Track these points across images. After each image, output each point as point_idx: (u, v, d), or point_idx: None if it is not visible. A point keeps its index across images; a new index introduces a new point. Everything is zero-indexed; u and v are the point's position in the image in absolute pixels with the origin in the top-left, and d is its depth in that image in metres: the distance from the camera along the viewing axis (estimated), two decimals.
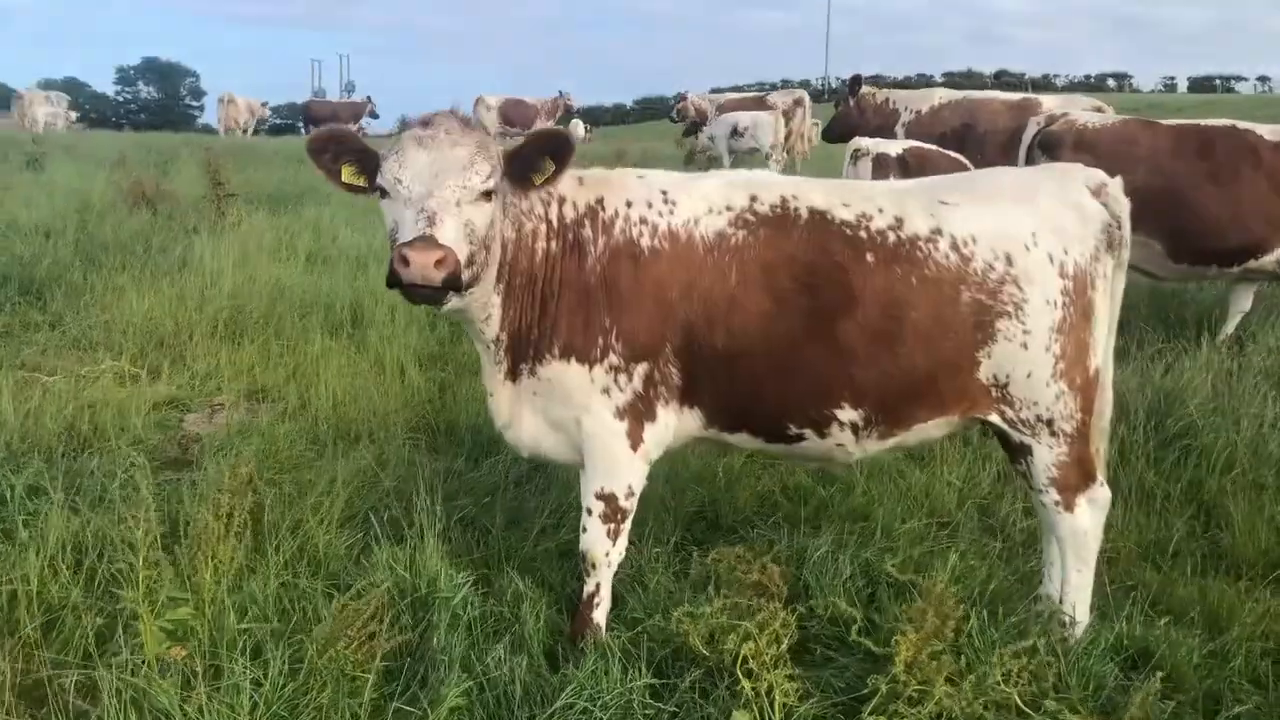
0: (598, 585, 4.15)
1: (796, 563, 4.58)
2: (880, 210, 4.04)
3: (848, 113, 14.59)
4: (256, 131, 42.20)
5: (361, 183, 3.77)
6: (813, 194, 4.09)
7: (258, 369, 7.47)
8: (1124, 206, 4.21)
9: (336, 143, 3.79)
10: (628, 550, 4.71)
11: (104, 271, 9.49)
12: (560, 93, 36.02)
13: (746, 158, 22.93)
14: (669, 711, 3.64)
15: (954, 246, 3.98)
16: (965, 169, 11.76)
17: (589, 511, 4.10)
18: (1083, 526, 4.24)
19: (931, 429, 4.19)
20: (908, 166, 12.10)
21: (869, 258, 3.95)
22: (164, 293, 8.65)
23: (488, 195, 3.66)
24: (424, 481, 5.02)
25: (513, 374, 4.06)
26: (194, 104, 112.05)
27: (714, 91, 33.76)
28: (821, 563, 4.54)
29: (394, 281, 3.45)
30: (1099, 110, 12.28)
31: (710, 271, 3.96)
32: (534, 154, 3.79)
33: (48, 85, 71.71)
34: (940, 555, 4.82)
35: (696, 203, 4.06)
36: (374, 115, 43.01)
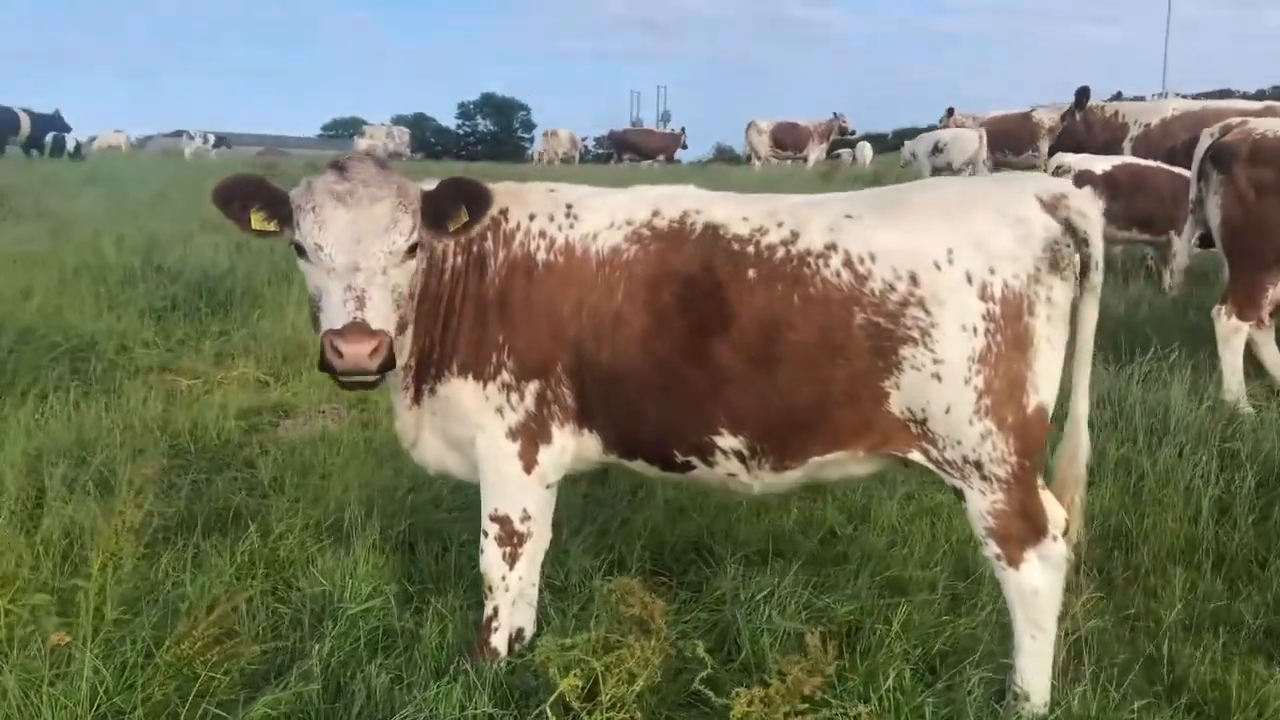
0: (495, 609, 4.04)
1: (742, 604, 4.28)
2: (779, 225, 3.72)
3: (1073, 127, 13.58)
4: (582, 160, 44.93)
5: (273, 228, 3.65)
6: (716, 209, 3.84)
7: None
8: (1091, 222, 3.65)
9: (244, 188, 3.67)
10: (591, 575, 4.60)
11: (288, 286, 10.28)
12: (835, 114, 35.56)
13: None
14: None
15: (847, 264, 3.60)
16: None
17: (485, 534, 4.01)
18: (1031, 586, 3.71)
19: (844, 464, 3.81)
20: (1117, 185, 11.12)
21: (750, 274, 3.65)
22: None
23: (413, 251, 3.61)
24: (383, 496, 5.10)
25: (417, 396, 4.03)
26: (525, 136, 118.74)
27: (1036, 108, 32.10)
28: (756, 604, 4.23)
29: (326, 369, 3.42)
30: None
31: (600, 288, 3.80)
32: (447, 201, 3.70)
33: (398, 120, 79.03)
34: (920, 607, 4.41)
35: (599, 217, 3.91)
36: (684, 146, 44.47)
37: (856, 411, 3.66)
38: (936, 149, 23.13)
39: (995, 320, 3.54)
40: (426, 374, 3.95)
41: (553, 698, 3.39)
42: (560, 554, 4.72)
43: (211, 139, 55.30)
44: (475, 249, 3.90)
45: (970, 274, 3.54)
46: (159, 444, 6.25)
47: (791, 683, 3.37)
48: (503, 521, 3.98)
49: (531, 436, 3.90)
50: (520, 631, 4.23)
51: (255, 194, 3.64)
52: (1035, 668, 3.78)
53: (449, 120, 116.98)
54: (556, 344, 3.81)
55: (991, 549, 3.73)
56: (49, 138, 35.69)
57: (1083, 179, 11.05)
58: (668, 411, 3.78)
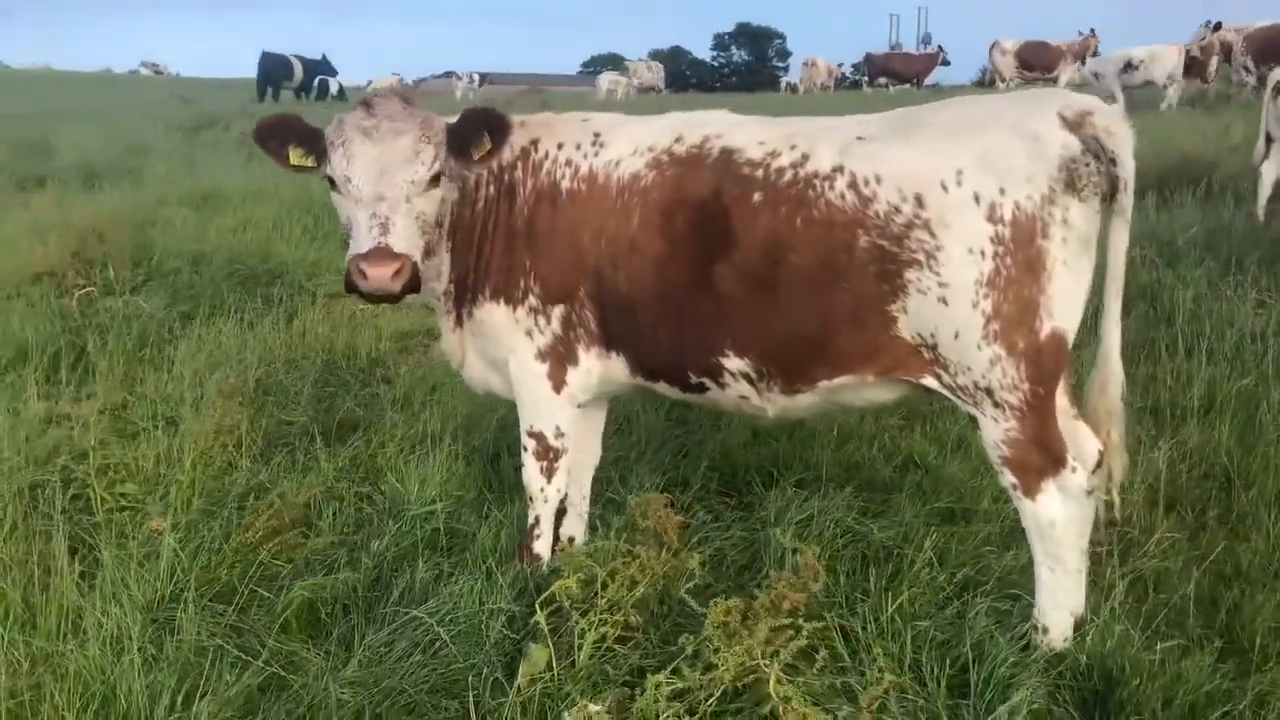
0: (537, 518, 4.31)
1: (774, 525, 4.37)
2: (792, 147, 3.72)
3: None
4: (838, 88, 44.41)
5: (310, 163, 3.84)
6: (737, 133, 3.87)
7: None
8: (1121, 140, 3.45)
9: (283, 127, 3.87)
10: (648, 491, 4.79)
11: None
12: (1084, 31, 33.23)
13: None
14: (513, 638, 3.77)
15: (852, 186, 3.57)
16: None
17: (524, 448, 4.27)
18: (1048, 517, 3.62)
19: (858, 389, 3.79)
20: None
21: (756, 197, 3.68)
22: None
23: (436, 180, 3.82)
24: None
25: (459, 320, 4.28)
26: (779, 65, 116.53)
27: None
28: (794, 526, 4.30)
29: (352, 289, 3.65)
30: None
31: (618, 214, 3.93)
32: (470, 131, 3.88)
33: (655, 55, 79.74)
34: (964, 537, 4.37)
35: (623, 145, 4.02)
36: (945, 63, 43.42)
37: (863, 335, 3.65)
38: (1130, 67, 21.27)
39: (1004, 243, 3.44)
40: (465, 298, 4.20)
41: (543, 597, 3.62)
42: (625, 472, 4.93)
43: (476, 79, 57.39)
44: (506, 179, 4.10)
45: (978, 195, 3.44)
46: (315, 361, 6.85)
47: (774, 597, 3.45)
48: (538, 438, 4.22)
49: (559, 358, 4.10)
50: (572, 540, 4.50)
51: (293, 132, 3.88)
52: (1054, 601, 3.70)
53: (705, 53, 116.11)
54: (579, 270, 3.98)
55: (1007, 478, 3.66)
56: (316, 81, 38.41)
57: None
58: (678, 335, 3.89)
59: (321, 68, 39.60)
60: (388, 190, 3.69)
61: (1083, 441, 3.80)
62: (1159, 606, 3.98)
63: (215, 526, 4.25)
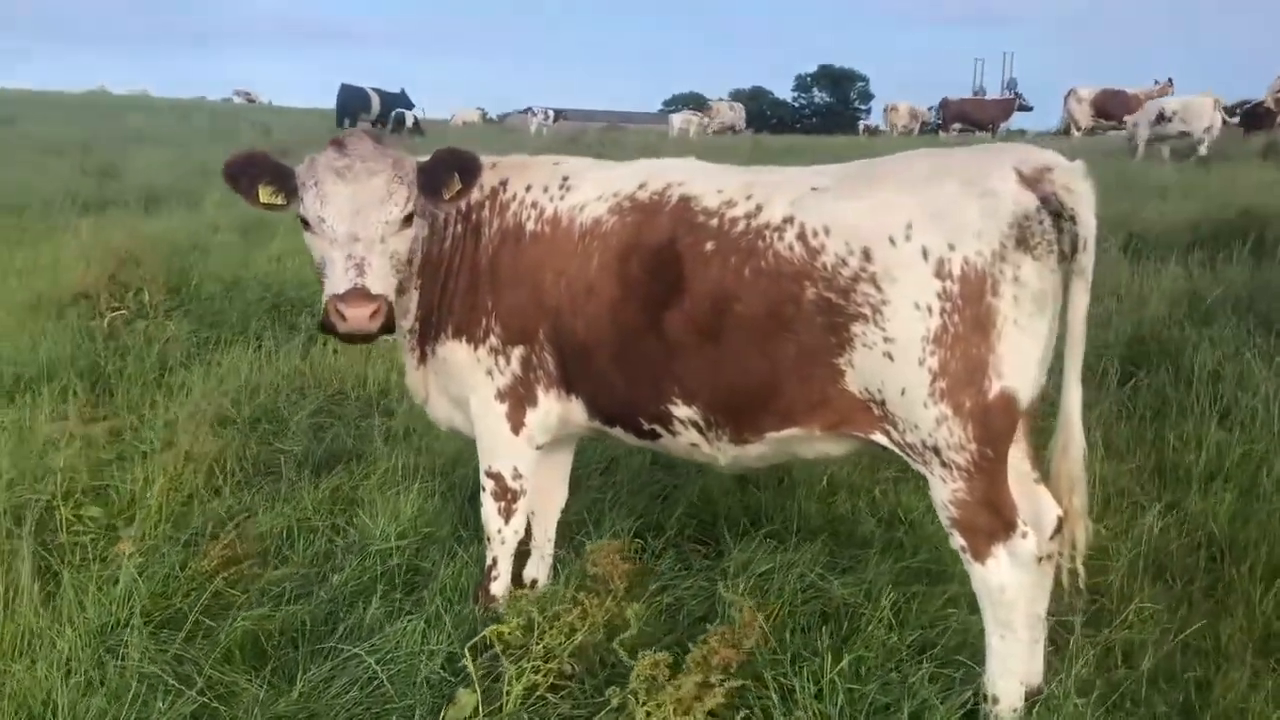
0: (495, 559, 4.29)
1: (732, 576, 4.30)
2: (748, 197, 3.69)
3: None
4: (922, 131, 44.20)
5: (279, 201, 3.83)
6: (697, 181, 3.85)
7: None
8: (1079, 198, 3.36)
9: (252, 165, 3.85)
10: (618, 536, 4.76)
11: None
12: (1158, 81, 32.72)
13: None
14: (451, 681, 3.74)
15: (800, 237, 3.51)
16: None
17: (483, 489, 4.25)
18: (996, 582, 3.51)
19: (808, 441, 3.73)
20: None
21: (707, 246, 3.65)
22: None
23: (409, 220, 3.85)
24: None
25: (422, 357, 4.30)
26: (861, 107, 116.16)
27: None
28: (754, 579, 4.23)
29: (329, 330, 3.67)
30: None
31: (579, 258, 3.92)
32: (441, 171, 3.90)
33: (736, 95, 79.71)
34: (929, 597, 4.25)
35: (589, 189, 4.02)
36: (1025, 108, 43.07)
37: (810, 388, 3.58)
38: (1162, 118, 21.00)
39: (952, 299, 3.35)
40: (428, 335, 4.22)
41: (471, 641, 3.60)
42: (600, 516, 4.90)
43: (551, 115, 57.90)
44: (474, 218, 4.12)
45: (927, 249, 3.37)
46: (325, 390, 6.93)
47: (706, 652, 3.38)
48: (496, 478, 4.20)
49: (519, 399, 4.09)
50: (534, 583, 4.47)
51: (263, 170, 3.87)
52: (1004, 669, 3.58)
53: (787, 93, 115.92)
54: (539, 312, 3.97)
55: (956, 540, 3.56)
56: (393, 114, 39.13)
57: None
58: (630, 380, 3.86)
59: (399, 100, 40.34)
60: (362, 230, 3.70)
61: (1043, 507, 3.68)
62: (1124, 680, 3.83)
63: (172, 553, 4.30)
